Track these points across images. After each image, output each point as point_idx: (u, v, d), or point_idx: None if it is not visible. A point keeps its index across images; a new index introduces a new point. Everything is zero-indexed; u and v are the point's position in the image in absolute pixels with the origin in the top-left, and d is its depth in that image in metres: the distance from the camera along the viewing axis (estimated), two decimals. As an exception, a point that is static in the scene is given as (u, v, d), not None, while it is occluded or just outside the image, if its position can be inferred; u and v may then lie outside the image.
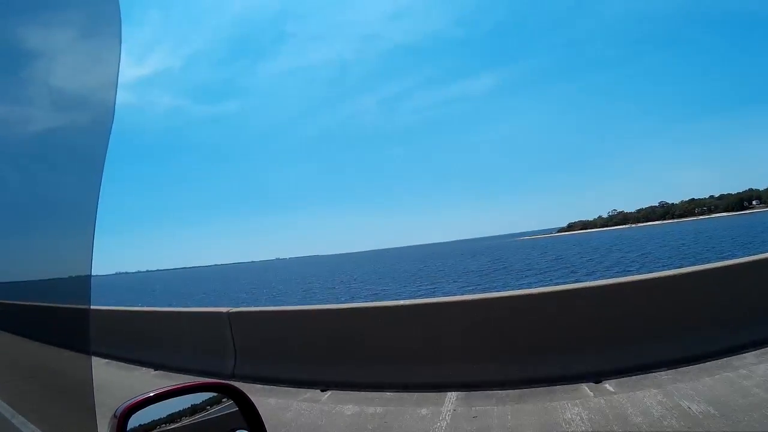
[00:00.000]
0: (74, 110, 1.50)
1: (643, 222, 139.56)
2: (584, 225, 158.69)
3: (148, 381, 5.86)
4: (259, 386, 4.71)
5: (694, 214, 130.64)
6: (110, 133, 1.22)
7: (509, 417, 3.45)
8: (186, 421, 1.16)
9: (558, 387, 3.81)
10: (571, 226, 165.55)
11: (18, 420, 2.67)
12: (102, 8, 1.32)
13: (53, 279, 1.86)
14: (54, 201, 1.55)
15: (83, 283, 1.47)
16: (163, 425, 1.13)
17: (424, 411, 3.72)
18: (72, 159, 1.46)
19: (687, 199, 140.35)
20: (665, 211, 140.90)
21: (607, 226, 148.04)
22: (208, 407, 1.20)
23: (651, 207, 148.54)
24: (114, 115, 1.23)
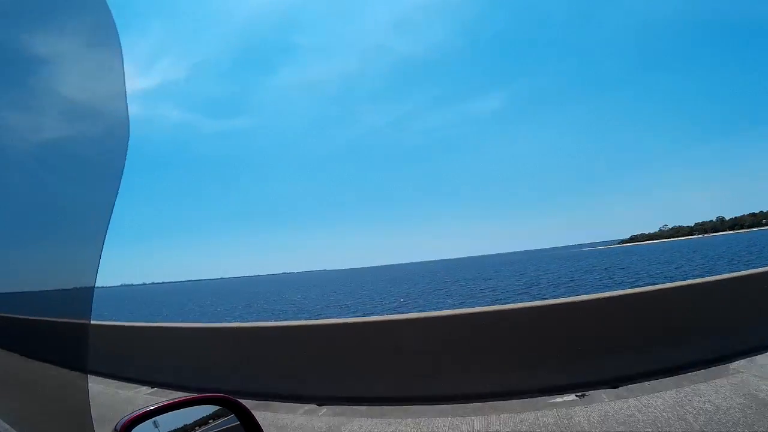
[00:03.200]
0: (88, 120, 1.65)
1: (710, 233, 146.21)
2: (649, 237, 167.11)
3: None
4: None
5: (761, 225, 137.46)
6: (128, 145, 1.35)
7: None
8: None
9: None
10: (634, 238, 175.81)
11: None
12: (95, 15, 1.47)
13: (54, 290, 2.03)
14: (64, 211, 1.71)
15: (85, 296, 1.61)
16: None
17: None
18: (88, 169, 1.61)
19: (747, 213, 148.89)
20: (733, 222, 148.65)
21: (673, 237, 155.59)
22: (209, 421, 1.28)
23: (713, 220, 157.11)
24: (129, 126, 1.36)
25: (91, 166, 1.51)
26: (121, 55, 1.42)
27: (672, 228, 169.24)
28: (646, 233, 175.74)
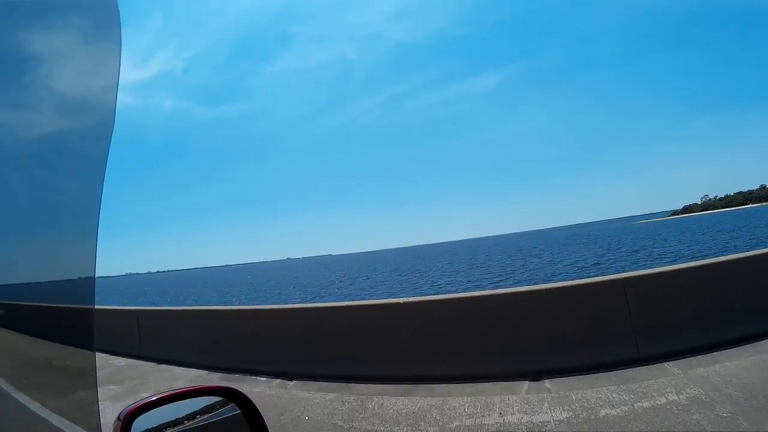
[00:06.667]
0: (76, 113, 1.70)
1: (764, 201, 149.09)
2: (703, 207, 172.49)
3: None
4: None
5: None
6: (111, 135, 1.40)
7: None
8: (189, 425, 1.32)
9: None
10: (687, 209, 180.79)
11: (21, 396, 3.24)
12: (101, 11, 1.50)
13: (58, 281, 2.18)
14: (57, 204, 1.80)
15: (87, 284, 1.72)
16: (167, 428, 1.28)
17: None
18: (74, 161, 1.68)
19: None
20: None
21: (727, 207, 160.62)
22: (212, 410, 1.35)
23: (756, 189, 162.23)
24: (115, 117, 1.39)
25: (80, 159, 1.58)
26: (120, 51, 1.46)
27: (722, 198, 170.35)
28: (699, 203, 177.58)
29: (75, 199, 1.60)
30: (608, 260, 35.95)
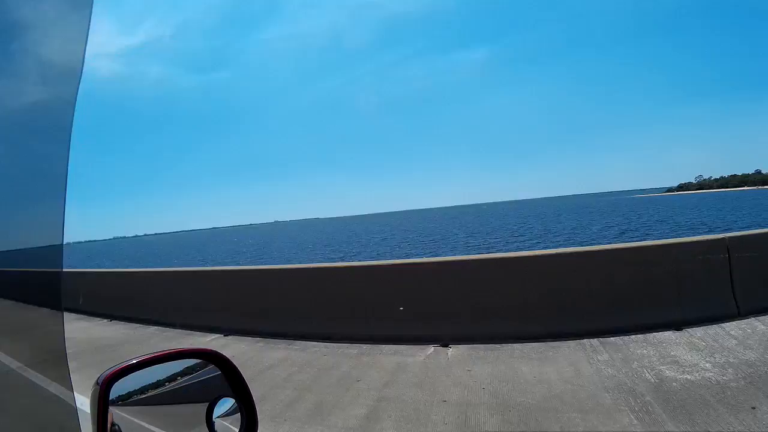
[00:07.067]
0: (38, 77, 1.62)
1: (760, 185, 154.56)
2: (699, 186, 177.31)
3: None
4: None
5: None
6: (75, 101, 1.34)
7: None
8: (170, 387, 1.32)
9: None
10: (682, 187, 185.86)
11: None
12: None
13: (26, 249, 2.17)
14: (22, 173, 1.74)
15: (55, 249, 1.70)
16: (147, 391, 1.29)
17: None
18: (38, 130, 1.62)
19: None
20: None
21: (724, 187, 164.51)
22: (193, 373, 1.35)
23: (752, 173, 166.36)
24: (80, 80, 1.33)
25: (44, 125, 1.52)
26: (90, 13, 1.36)
27: (717, 179, 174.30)
28: (694, 183, 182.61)
29: (41, 167, 1.56)
30: (637, 227, 36.72)
